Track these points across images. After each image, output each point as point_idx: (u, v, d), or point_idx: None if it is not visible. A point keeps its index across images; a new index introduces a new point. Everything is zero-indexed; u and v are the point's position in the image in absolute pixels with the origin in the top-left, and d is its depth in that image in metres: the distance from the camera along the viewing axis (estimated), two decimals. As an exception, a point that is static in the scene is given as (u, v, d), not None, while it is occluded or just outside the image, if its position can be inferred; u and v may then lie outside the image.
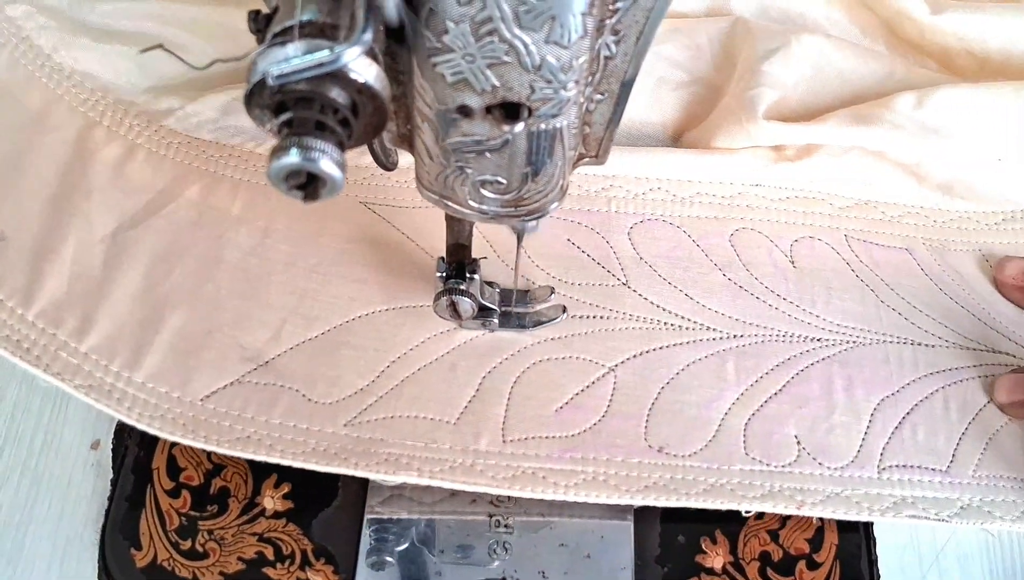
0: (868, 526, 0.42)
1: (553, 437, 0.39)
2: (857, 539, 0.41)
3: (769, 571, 0.41)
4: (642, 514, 0.41)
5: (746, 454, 0.39)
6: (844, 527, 0.41)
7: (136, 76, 0.46)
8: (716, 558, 0.41)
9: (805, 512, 0.38)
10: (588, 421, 0.39)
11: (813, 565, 0.41)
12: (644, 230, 0.45)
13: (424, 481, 0.38)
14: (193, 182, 0.45)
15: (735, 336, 0.42)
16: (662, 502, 0.38)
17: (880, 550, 0.41)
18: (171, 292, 0.41)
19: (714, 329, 0.42)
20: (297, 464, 0.38)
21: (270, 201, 0.45)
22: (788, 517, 0.42)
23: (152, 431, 0.38)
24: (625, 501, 0.38)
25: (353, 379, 0.40)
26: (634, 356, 0.41)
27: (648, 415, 0.40)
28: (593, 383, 0.40)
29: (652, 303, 0.43)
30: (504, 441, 0.39)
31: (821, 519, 0.41)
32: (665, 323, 0.42)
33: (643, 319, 0.42)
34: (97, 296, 0.40)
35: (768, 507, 0.38)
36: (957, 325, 0.43)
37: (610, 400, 0.40)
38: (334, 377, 0.40)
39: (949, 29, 0.46)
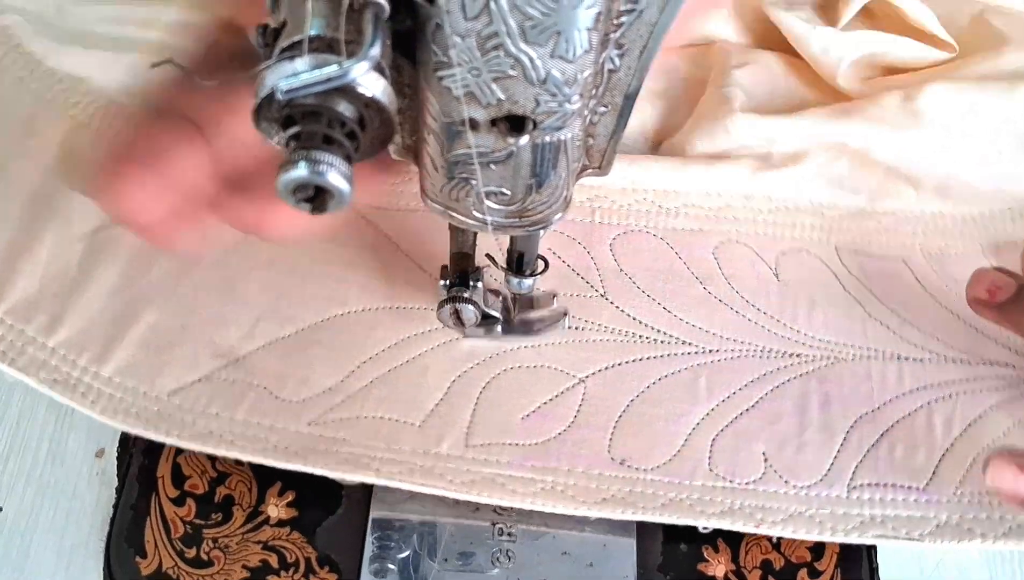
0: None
1: (516, 444, 0.39)
2: (859, 547, 0.41)
3: (771, 579, 0.41)
4: (645, 523, 0.41)
5: (710, 470, 0.38)
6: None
7: (125, 79, 0.46)
8: (718, 566, 0.41)
9: (764, 531, 0.37)
10: (553, 430, 0.39)
11: (814, 573, 0.41)
12: (626, 241, 0.44)
13: (382, 481, 0.38)
14: None
15: (710, 350, 0.41)
16: (618, 515, 0.37)
17: (881, 558, 0.41)
18: (148, 289, 0.41)
19: (689, 343, 0.42)
20: (256, 460, 0.38)
21: None
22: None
23: (113, 424, 0.38)
24: (582, 512, 0.37)
25: (323, 378, 0.40)
26: (606, 368, 0.41)
27: (614, 427, 0.39)
28: (562, 393, 0.40)
29: (628, 316, 0.42)
30: (467, 446, 0.39)
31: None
32: (640, 336, 0.42)
33: (618, 331, 0.42)
34: (70, 294, 0.40)
35: (726, 524, 0.37)
36: (949, 337, 0.42)
37: (577, 411, 0.40)
38: (304, 376, 0.40)
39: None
